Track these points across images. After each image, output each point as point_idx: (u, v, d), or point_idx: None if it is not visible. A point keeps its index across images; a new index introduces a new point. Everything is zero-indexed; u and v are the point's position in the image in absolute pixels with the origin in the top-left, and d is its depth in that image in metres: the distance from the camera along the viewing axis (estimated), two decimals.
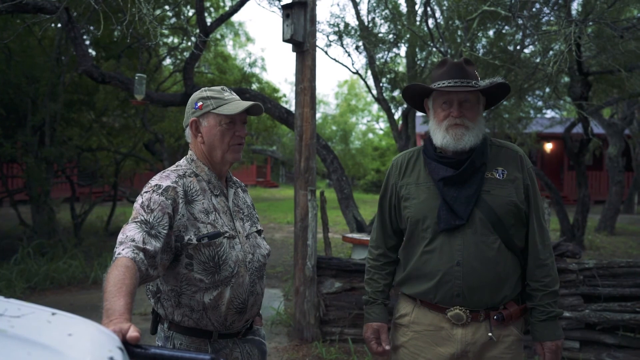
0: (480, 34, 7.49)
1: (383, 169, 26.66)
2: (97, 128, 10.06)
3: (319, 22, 10.16)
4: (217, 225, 1.64)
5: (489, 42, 7.78)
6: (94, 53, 9.82)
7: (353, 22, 10.66)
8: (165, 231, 1.52)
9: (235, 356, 1.71)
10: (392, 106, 9.65)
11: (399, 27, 8.08)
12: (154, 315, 1.72)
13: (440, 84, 1.79)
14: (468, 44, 6.58)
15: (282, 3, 4.58)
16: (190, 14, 10.04)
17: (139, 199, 1.58)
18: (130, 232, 1.46)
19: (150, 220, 1.51)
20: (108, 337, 1.04)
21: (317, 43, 4.84)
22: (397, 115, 10.55)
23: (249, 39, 26.23)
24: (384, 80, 9.13)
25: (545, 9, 6.63)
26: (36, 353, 0.88)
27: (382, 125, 31.76)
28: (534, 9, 6.40)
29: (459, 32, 7.30)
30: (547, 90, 8.62)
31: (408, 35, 8.08)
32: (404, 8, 8.95)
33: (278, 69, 61.65)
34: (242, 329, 1.73)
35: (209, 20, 8.64)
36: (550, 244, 1.84)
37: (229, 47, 21.76)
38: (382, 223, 2.00)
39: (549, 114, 13.16)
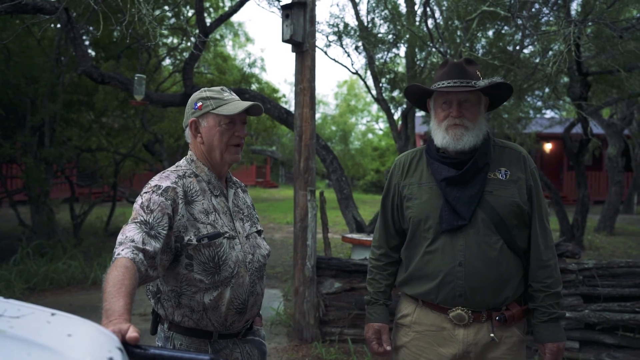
0: (479, 34, 7.50)
1: (382, 169, 26.66)
2: (97, 128, 10.06)
3: (318, 23, 10.18)
4: (217, 226, 1.64)
5: (489, 43, 7.78)
6: (93, 53, 9.82)
7: (352, 22, 10.68)
8: (164, 232, 1.52)
9: (235, 356, 1.70)
10: (391, 106, 9.65)
11: (399, 27, 8.08)
12: (154, 316, 1.72)
13: (439, 84, 1.79)
14: (467, 44, 6.58)
15: (282, 3, 4.58)
16: (189, 14, 10.04)
17: (139, 200, 1.58)
18: (130, 233, 1.46)
19: (150, 220, 1.51)
20: (107, 337, 1.04)
21: (317, 43, 4.85)
22: (397, 115, 10.55)
23: (248, 40, 26.22)
24: (383, 80, 9.13)
25: (545, 9, 6.64)
26: (36, 353, 0.88)
27: (381, 125, 31.79)
28: (533, 9, 6.41)
29: (459, 33, 7.30)
30: (547, 90, 8.63)
31: (407, 36, 8.09)
32: (403, 8, 8.95)
33: (277, 70, 61.69)
34: (242, 329, 1.73)
35: (208, 21, 8.64)
36: (553, 245, 1.83)
37: (229, 47, 21.77)
38: (385, 223, 2.00)
39: (549, 114, 13.17)
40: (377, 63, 8.73)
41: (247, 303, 1.68)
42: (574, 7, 7.49)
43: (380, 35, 8.55)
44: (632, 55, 6.11)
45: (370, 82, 9.52)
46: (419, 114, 12.03)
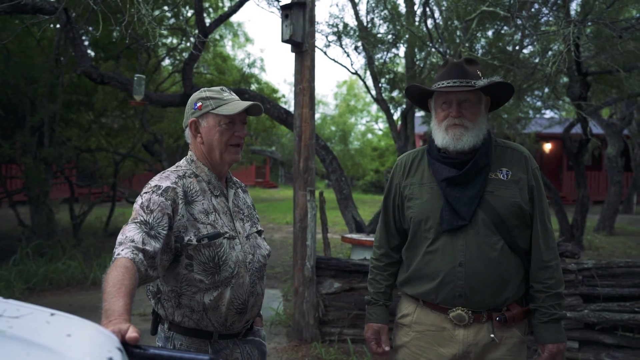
0: (479, 34, 7.50)
1: (382, 169, 26.66)
2: (96, 129, 10.05)
3: (318, 23, 10.19)
4: (217, 226, 1.64)
5: (488, 43, 7.78)
6: (92, 54, 9.81)
7: (352, 22, 10.69)
8: (164, 232, 1.51)
9: (236, 357, 1.70)
10: (391, 106, 9.66)
11: (398, 27, 8.09)
12: (154, 316, 1.72)
13: (439, 84, 1.79)
14: (467, 45, 6.58)
15: (281, 3, 4.58)
16: (189, 14, 10.04)
17: (139, 200, 1.58)
18: (130, 233, 1.46)
19: (150, 221, 1.50)
20: (107, 337, 1.04)
21: (316, 43, 4.85)
22: (396, 115, 10.57)
23: (248, 40, 26.23)
24: (383, 80, 9.14)
25: (544, 9, 6.64)
26: (35, 353, 0.87)
27: (381, 125, 31.81)
28: (532, 9, 6.41)
29: (458, 33, 7.30)
30: (546, 90, 8.63)
31: (407, 36, 8.09)
32: (402, 8, 8.96)
33: (277, 70, 61.72)
34: (242, 329, 1.73)
35: (207, 21, 8.64)
36: (555, 246, 1.82)
37: (228, 47, 21.76)
38: (386, 223, 2.00)
39: (548, 114, 13.18)
40: (376, 63, 8.73)
41: (248, 303, 1.68)
42: (574, 7, 7.50)
43: (379, 35, 8.56)
44: (632, 55, 6.11)
45: (369, 82, 9.54)
46: (419, 114, 12.05)
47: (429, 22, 7.09)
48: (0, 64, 7.67)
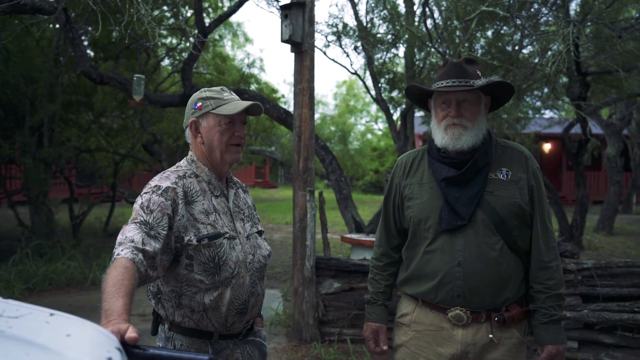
0: (478, 35, 7.50)
1: (382, 169, 26.67)
2: (96, 129, 10.05)
3: (317, 23, 10.18)
4: (217, 226, 1.64)
5: (488, 43, 7.78)
6: (92, 54, 9.80)
7: (351, 22, 10.69)
8: (164, 232, 1.51)
9: (236, 357, 1.70)
10: (390, 107, 9.66)
11: (398, 27, 8.09)
12: (154, 316, 1.72)
13: (438, 84, 1.79)
14: (466, 45, 6.58)
15: (281, 3, 4.58)
16: (188, 14, 10.03)
17: (139, 200, 1.58)
18: (130, 233, 1.46)
19: (150, 221, 1.50)
20: (106, 337, 1.04)
21: (316, 43, 4.84)
22: (396, 115, 10.57)
23: (247, 40, 26.21)
24: (382, 80, 9.14)
25: (544, 9, 6.64)
26: (34, 353, 0.87)
27: (380, 125, 31.81)
28: (532, 9, 6.41)
29: (458, 33, 7.30)
30: (546, 90, 8.63)
31: (406, 36, 8.09)
32: (402, 8, 8.96)
33: (276, 70, 61.73)
34: (242, 330, 1.73)
35: (207, 21, 8.63)
36: (555, 247, 1.81)
37: (228, 47, 21.76)
38: (386, 222, 2.01)
39: (548, 114, 13.19)
40: (376, 63, 8.73)
41: (248, 304, 1.68)
42: (573, 7, 7.50)
43: (379, 35, 8.56)
44: (631, 55, 6.11)
45: (369, 82, 9.54)
46: (418, 114, 12.04)
47: (429, 22, 7.09)
48: (0, 64, 7.67)
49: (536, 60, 6.90)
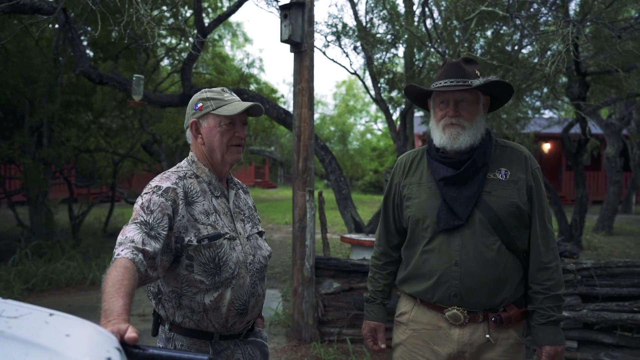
0: (478, 34, 7.50)
1: (381, 169, 26.68)
2: (95, 129, 10.05)
3: (317, 23, 10.17)
4: (217, 227, 1.64)
5: (487, 43, 7.78)
6: (91, 54, 9.80)
7: (351, 22, 10.66)
8: (165, 232, 1.51)
9: (237, 358, 1.70)
10: (390, 107, 9.65)
11: (397, 27, 8.09)
12: (155, 317, 1.72)
13: (437, 84, 1.79)
14: (466, 44, 6.58)
15: (280, 3, 4.58)
16: (188, 14, 10.03)
17: (139, 200, 1.58)
18: (130, 233, 1.46)
19: (150, 221, 1.51)
20: (106, 337, 1.04)
21: (315, 43, 4.84)
22: (395, 115, 10.56)
23: (247, 40, 26.19)
24: (382, 80, 9.14)
25: (543, 9, 6.64)
26: (34, 354, 0.87)
27: (380, 125, 31.83)
28: (531, 9, 6.41)
29: (457, 33, 7.31)
30: (545, 90, 8.63)
31: (406, 36, 8.09)
32: (401, 8, 8.95)
33: (276, 70, 61.73)
34: (243, 330, 1.73)
35: (206, 21, 8.63)
36: (555, 247, 1.80)
37: (227, 47, 21.76)
38: (386, 222, 2.01)
39: (547, 114, 13.19)
40: (375, 63, 8.73)
41: (248, 304, 1.68)
42: (573, 7, 7.50)
43: (378, 35, 8.56)
44: (631, 55, 6.11)
45: (368, 82, 9.53)
46: (418, 114, 12.04)
47: (428, 22, 7.09)
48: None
49: (535, 60, 6.90)
